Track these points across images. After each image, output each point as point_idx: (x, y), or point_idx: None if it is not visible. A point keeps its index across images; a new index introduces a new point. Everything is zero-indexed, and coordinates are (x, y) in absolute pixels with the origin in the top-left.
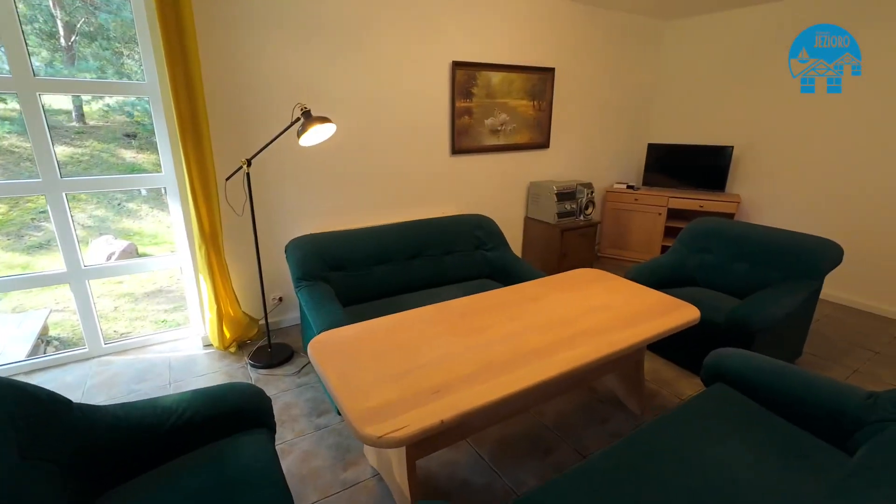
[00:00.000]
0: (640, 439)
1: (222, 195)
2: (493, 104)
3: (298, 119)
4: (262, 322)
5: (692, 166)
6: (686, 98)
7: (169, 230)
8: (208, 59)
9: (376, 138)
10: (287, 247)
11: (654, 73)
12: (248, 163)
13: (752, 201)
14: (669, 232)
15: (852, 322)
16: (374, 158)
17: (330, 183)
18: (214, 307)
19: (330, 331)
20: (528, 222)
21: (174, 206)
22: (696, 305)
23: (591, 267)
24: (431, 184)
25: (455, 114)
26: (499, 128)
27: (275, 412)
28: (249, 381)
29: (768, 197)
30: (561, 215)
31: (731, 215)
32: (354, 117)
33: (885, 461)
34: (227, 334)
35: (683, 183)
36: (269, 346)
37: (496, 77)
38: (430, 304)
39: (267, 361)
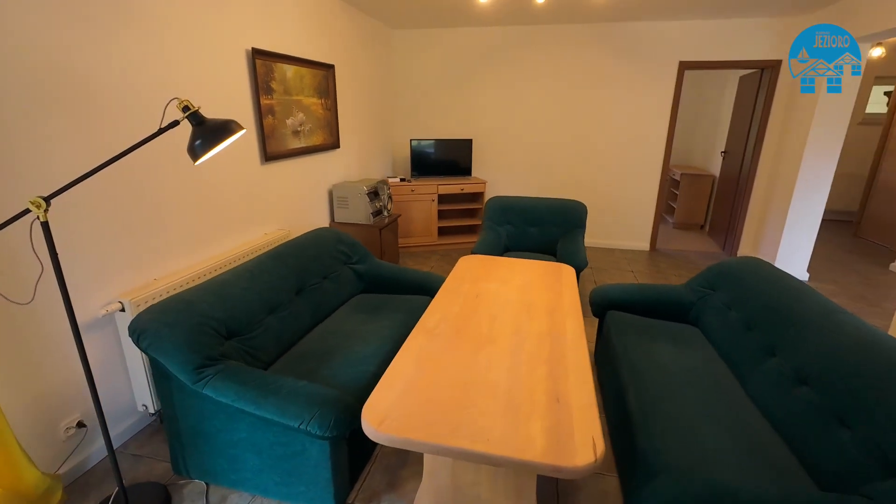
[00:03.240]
0: (630, 372)
1: None
2: (290, 102)
3: (175, 123)
4: (64, 471)
5: (447, 157)
6: (423, 98)
7: None
8: None
9: (167, 144)
10: (144, 329)
11: (394, 76)
12: (47, 203)
13: (492, 180)
14: (442, 215)
15: None
16: (169, 175)
17: (119, 217)
18: None
19: (373, 397)
20: (339, 228)
21: None
22: None
23: (398, 258)
24: (245, 200)
25: (261, 112)
26: (298, 128)
27: None
28: None
29: (497, 175)
30: (374, 214)
31: (482, 194)
32: (136, 117)
33: (719, 323)
34: None
35: (443, 172)
36: (124, 497)
37: (290, 71)
38: (337, 339)
39: None
